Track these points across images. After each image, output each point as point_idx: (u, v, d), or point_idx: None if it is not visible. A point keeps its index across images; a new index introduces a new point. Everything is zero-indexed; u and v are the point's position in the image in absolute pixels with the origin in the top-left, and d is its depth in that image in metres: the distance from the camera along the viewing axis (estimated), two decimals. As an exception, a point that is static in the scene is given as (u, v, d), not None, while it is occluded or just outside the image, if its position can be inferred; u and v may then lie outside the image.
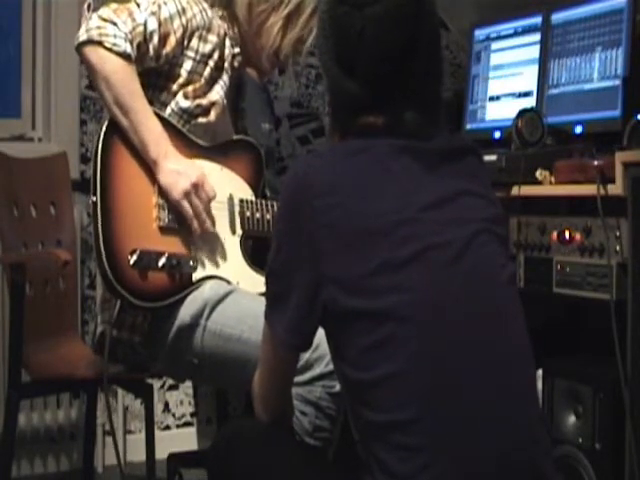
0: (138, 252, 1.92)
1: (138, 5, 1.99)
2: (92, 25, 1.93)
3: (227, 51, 2.13)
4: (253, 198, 2.13)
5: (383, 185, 1.37)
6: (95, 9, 2.01)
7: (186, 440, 3.34)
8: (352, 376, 1.35)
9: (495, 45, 3.15)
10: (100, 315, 2.12)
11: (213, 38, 2.08)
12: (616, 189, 2.09)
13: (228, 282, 2.04)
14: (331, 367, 1.85)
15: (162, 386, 3.30)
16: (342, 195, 1.35)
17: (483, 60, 3.19)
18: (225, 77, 2.12)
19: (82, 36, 1.94)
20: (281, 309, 1.41)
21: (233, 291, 2.00)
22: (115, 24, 1.93)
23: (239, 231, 2.09)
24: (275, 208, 2.12)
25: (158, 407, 3.29)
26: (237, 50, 2.17)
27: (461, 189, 1.42)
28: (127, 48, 1.93)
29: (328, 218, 1.35)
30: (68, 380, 2.49)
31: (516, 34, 3.04)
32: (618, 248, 2.12)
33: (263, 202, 2.13)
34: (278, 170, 3.14)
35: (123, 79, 1.94)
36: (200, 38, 2.05)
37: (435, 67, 1.46)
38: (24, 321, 2.41)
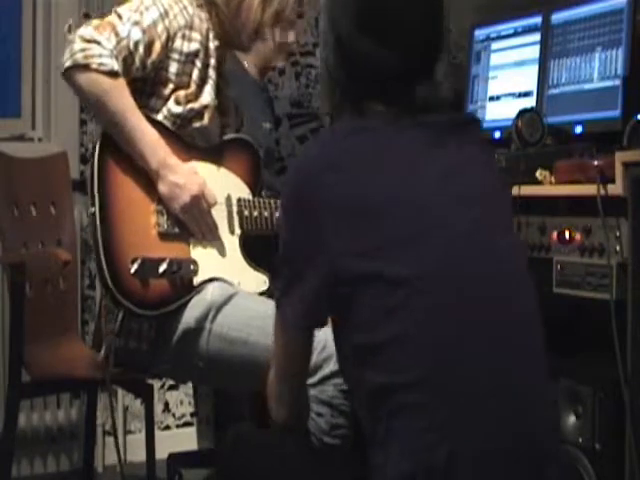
0: (139, 261, 1.92)
1: (120, 17, 1.97)
2: (76, 48, 1.92)
3: (212, 46, 2.11)
4: (250, 197, 2.12)
5: (390, 159, 1.38)
6: (76, 30, 2.00)
7: (186, 440, 3.34)
8: (359, 340, 1.35)
9: (495, 45, 3.15)
10: (105, 326, 2.11)
11: (197, 36, 2.05)
12: (616, 189, 2.09)
13: (230, 283, 2.04)
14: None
15: (162, 386, 3.30)
16: (347, 172, 1.36)
17: (483, 60, 3.19)
18: (213, 74, 2.10)
19: (67, 61, 1.93)
20: (294, 292, 1.41)
21: (237, 293, 2.00)
22: (99, 43, 1.92)
23: (238, 231, 2.09)
24: (272, 205, 2.12)
25: (158, 407, 3.29)
26: (217, 43, 2.13)
27: (467, 159, 1.44)
28: (114, 65, 1.92)
29: (334, 195, 1.35)
30: (68, 380, 2.49)
31: (516, 34, 3.04)
32: (618, 248, 2.12)
33: (261, 200, 2.13)
34: (278, 170, 3.14)
35: (114, 97, 1.93)
36: (184, 38, 2.03)
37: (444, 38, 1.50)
38: (24, 321, 2.41)
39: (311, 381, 1.85)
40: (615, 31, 2.63)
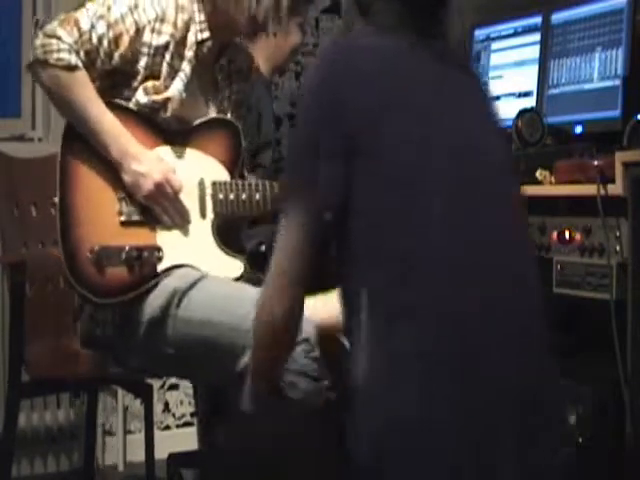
0: (97, 249, 1.94)
1: (86, 11, 1.99)
2: (37, 44, 1.96)
3: (191, 38, 2.07)
4: (228, 178, 2.08)
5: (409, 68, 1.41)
6: (43, 25, 2.03)
7: (186, 440, 3.33)
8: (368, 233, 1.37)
9: (495, 45, 3.15)
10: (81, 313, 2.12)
11: (167, 29, 2.03)
12: (616, 189, 2.09)
13: (197, 269, 2.02)
14: (306, 336, 1.82)
15: (162, 386, 3.30)
16: (368, 73, 1.38)
17: (483, 60, 3.19)
18: (187, 67, 2.07)
19: (30, 57, 1.98)
20: (309, 179, 1.40)
21: (202, 278, 1.98)
22: (59, 38, 1.95)
23: (210, 215, 2.05)
24: (252, 187, 2.07)
25: (158, 407, 3.29)
26: (206, 35, 2.09)
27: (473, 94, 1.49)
28: (72, 60, 1.95)
29: (356, 93, 1.37)
30: (68, 380, 2.49)
31: (516, 34, 3.04)
32: (618, 248, 2.12)
33: (239, 182, 2.07)
34: (276, 169, 3.13)
35: (73, 90, 1.97)
36: (153, 31, 2.02)
37: None
38: (24, 321, 2.41)
39: None
40: (615, 31, 2.63)
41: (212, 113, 2.14)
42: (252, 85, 2.33)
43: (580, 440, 2.26)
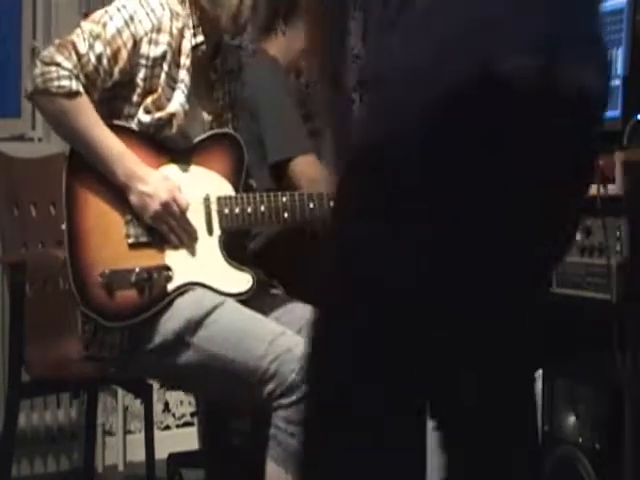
0: (107, 273, 1.94)
1: (82, 32, 1.98)
2: (37, 73, 1.95)
3: (187, 45, 2.06)
4: (232, 193, 2.08)
5: None
6: (39, 52, 2.03)
7: (186, 440, 3.34)
8: None
9: (495, 45, 3.14)
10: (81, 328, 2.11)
11: (164, 38, 2.02)
12: (616, 189, 2.09)
13: (208, 287, 2.02)
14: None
15: (162, 386, 3.30)
16: None
17: (483, 60, 3.19)
18: (186, 77, 2.06)
19: (29, 87, 1.97)
20: None
21: (218, 306, 1.98)
22: (58, 64, 1.94)
23: (217, 231, 2.05)
24: (257, 199, 2.06)
25: (158, 407, 3.29)
26: (200, 39, 2.08)
27: None
28: (73, 86, 1.94)
29: None
30: (68, 380, 2.49)
31: (516, 34, 3.04)
32: (618, 248, 2.12)
33: (244, 196, 2.07)
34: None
35: (75, 117, 1.96)
36: (150, 42, 2.01)
37: None
38: (24, 321, 2.41)
39: (286, 401, 1.87)
40: (615, 31, 2.63)
41: (207, 117, 2.13)
42: (242, 84, 2.32)
43: (580, 440, 2.26)
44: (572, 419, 2.31)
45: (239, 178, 2.11)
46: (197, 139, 2.09)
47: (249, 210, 2.06)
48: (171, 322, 1.96)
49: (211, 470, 2.75)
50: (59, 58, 1.94)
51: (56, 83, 1.93)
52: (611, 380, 2.15)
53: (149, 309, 1.96)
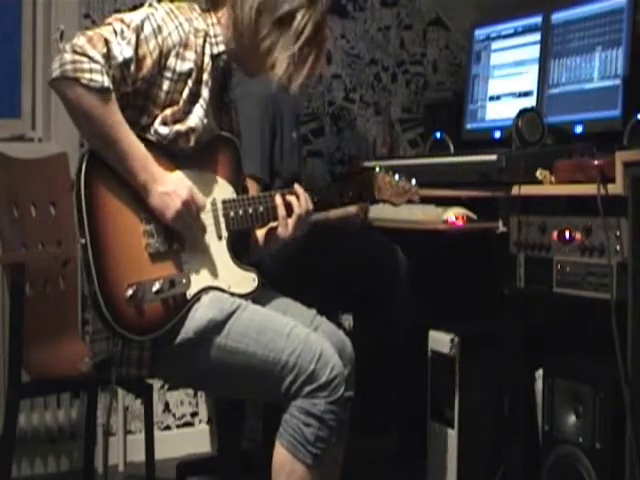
0: (134, 286, 1.92)
1: (115, 32, 1.93)
2: (66, 59, 1.87)
3: (206, 60, 2.06)
4: (234, 195, 2.11)
5: None
6: (68, 37, 1.92)
7: (186, 440, 3.34)
8: None
9: (495, 45, 3.15)
10: (92, 345, 2.10)
11: (191, 55, 2.01)
12: (616, 189, 2.09)
13: (221, 289, 2.03)
14: (335, 373, 1.93)
15: (162, 386, 3.30)
16: None
17: (483, 60, 3.19)
18: (206, 92, 2.05)
19: (56, 71, 1.88)
20: None
21: (237, 309, 2.00)
22: (91, 58, 1.88)
23: (225, 234, 2.07)
24: (257, 200, 2.10)
25: (158, 407, 3.29)
26: (222, 48, 2.08)
27: None
28: (105, 82, 1.89)
29: None
30: (68, 380, 2.49)
31: (516, 34, 3.04)
32: (618, 248, 2.12)
33: (244, 197, 2.11)
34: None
35: (103, 113, 1.90)
36: (177, 56, 1.99)
37: None
38: (24, 321, 2.41)
39: (306, 390, 1.91)
40: (615, 31, 2.64)
41: (213, 123, 2.13)
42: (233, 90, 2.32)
43: (580, 440, 2.26)
44: (572, 419, 2.31)
45: (239, 180, 2.13)
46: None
47: (250, 211, 2.09)
48: (191, 322, 1.97)
49: (226, 475, 2.77)
50: (91, 52, 1.88)
51: (87, 75, 1.87)
52: (611, 380, 2.15)
53: (174, 317, 1.96)
